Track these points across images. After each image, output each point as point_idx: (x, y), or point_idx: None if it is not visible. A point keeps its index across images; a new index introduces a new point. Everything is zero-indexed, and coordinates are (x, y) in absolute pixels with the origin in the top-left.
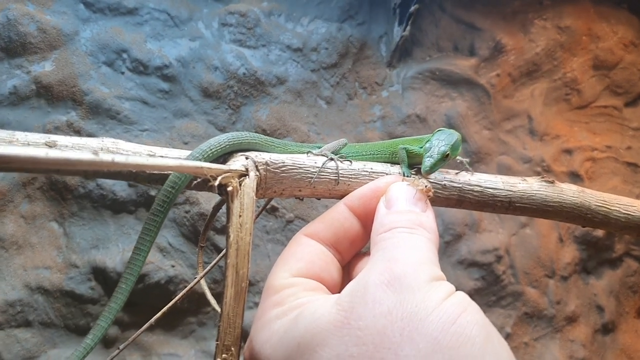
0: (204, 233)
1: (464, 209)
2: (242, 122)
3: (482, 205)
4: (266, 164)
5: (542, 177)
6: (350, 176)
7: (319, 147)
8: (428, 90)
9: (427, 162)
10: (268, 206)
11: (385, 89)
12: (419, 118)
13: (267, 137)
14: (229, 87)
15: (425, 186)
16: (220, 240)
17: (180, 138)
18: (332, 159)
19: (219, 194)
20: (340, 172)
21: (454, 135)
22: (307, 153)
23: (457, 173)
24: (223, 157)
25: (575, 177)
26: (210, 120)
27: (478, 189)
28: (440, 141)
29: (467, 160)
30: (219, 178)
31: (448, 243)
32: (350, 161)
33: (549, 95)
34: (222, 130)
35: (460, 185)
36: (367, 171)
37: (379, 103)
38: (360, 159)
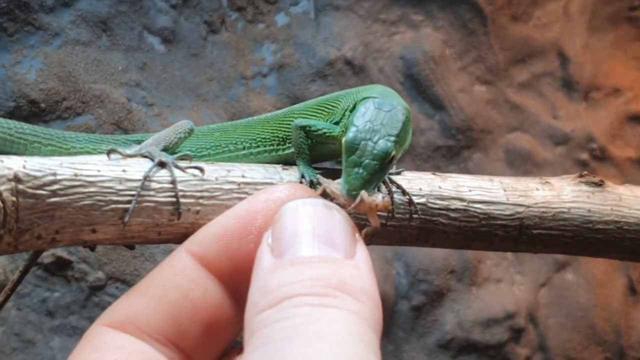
0: None
1: (434, 246)
2: None
3: (468, 237)
4: (17, 178)
5: (582, 176)
6: (201, 196)
7: (138, 141)
8: (366, 12)
9: (354, 179)
10: (33, 268)
11: (283, 9)
12: (350, 65)
13: (19, 123)
14: None
15: (357, 199)
16: None
17: None
18: (162, 164)
19: None
20: (180, 189)
21: (398, 110)
22: (109, 153)
23: (399, 172)
24: None
25: None
26: None
27: (458, 205)
28: (373, 126)
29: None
30: None
31: (418, 310)
32: (201, 168)
33: (597, 12)
34: None
35: (423, 201)
36: (234, 182)
37: (272, 38)
38: (223, 157)
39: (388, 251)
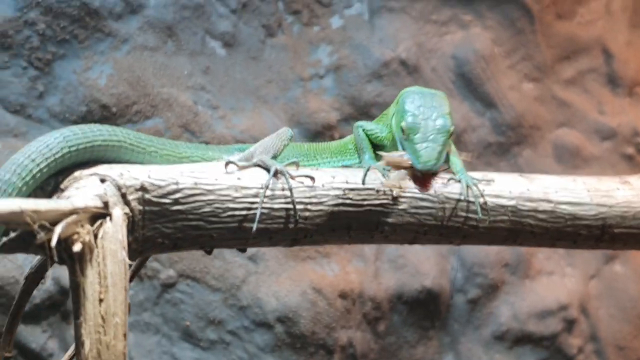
0: (9, 332)
1: (520, 245)
2: (58, 94)
3: (553, 237)
4: (143, 188)
5: None
6: (309, 202)
7: (241, 149)
8: (418, 13)
9: (426, 151)
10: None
11: (337, 12)
12: (404, 66)
13: (136, 132)
14: (28, 25)
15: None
16: (53, 347)
17: None
18: (278, 172)
19: (57, 259)
20: (296, 196)
21: (439, 94)
22: (226, 165)
23: (487, 182)
24: (52, 179)
25: None
26: None
27: (546, 206)
28: (425, 109)
29: (470, 153)
30: (58, 228)
31: (474, 302)
32: (312, 177)
33: (638, 9)
34: (18, 112)
35: (512, 204)
36: (339, 188)
37: (327, 40)
38: (318, 163)
39: (443, 246)
